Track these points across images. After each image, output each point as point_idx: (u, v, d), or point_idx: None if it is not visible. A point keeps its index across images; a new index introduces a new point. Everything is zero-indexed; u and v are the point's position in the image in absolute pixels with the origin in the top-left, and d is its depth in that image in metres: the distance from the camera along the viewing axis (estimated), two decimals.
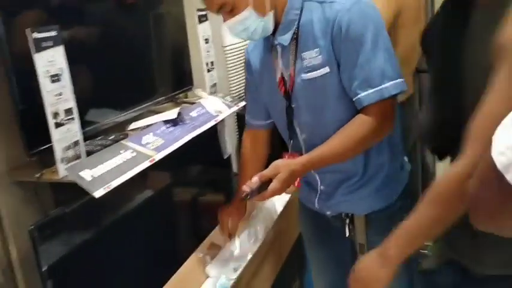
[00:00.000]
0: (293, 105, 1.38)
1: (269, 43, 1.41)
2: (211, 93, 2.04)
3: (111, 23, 1.63)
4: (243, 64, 2.72)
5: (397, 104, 1.30)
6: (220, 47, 2.43)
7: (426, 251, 2.11)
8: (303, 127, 1.40)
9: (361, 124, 1.26)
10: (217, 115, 1.86)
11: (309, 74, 1.31)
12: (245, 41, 2.56)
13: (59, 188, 1.39)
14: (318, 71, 1.29)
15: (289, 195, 1.78)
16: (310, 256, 1.65)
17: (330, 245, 1.55)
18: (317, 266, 1.64)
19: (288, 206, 1.73)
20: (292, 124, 1.41)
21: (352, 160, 1.35)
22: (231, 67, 2.56)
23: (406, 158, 1.53)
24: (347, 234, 1.45)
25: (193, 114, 1.78)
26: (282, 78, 1.39)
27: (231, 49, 2.57)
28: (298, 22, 1.31)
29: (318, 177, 1.44)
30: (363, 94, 1.23)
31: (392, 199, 1.42)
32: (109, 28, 1.61)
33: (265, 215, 1.73)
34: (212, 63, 2.04)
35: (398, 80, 1.24)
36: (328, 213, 1.49)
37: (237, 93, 2.59)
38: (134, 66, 1.75)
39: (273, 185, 1.25)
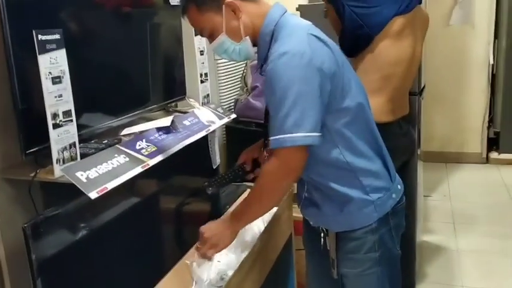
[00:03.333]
0: None
1: None
2: (204, 104, 2.08)
3: (108, 31, 1.66)
4: (233, 77, 2.77)
5: (306, 152, 1.27)
6: (213, 60, 2.48)
7: None
8: None
9: (264, 169, 1.34)
10: (210, 125, 1.89)
11: None
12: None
13: (50, 189, 1.40)
14: None
15: (276, 208, 1.81)
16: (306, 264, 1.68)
17: (317, 256, 1.58)
18: (308, 275, 1.68)
19: (274, 218, 1.77)
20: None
21: (318, 178, 1.39)
22: (222, 80, 2.61)
23: (397, 185, 1.46)
24: (322, 247, 1.48)
25: (186, 122, 1.81)
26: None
27: (223, 62, 2.62)
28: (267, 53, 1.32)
29: (304, 183, 1.47)
30: (270, 138, 1.28)
31: (364, 223, 1.39)
32: (106, 35, 1.64)
33: (252, 226, 1.76)
34: (206, 74, 2.08)
35: (303, 134, 1.22)
36: (311, 223, 1.52)
37: (227, 106, 2.63)
38: (129, 74, 1.78)
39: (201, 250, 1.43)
